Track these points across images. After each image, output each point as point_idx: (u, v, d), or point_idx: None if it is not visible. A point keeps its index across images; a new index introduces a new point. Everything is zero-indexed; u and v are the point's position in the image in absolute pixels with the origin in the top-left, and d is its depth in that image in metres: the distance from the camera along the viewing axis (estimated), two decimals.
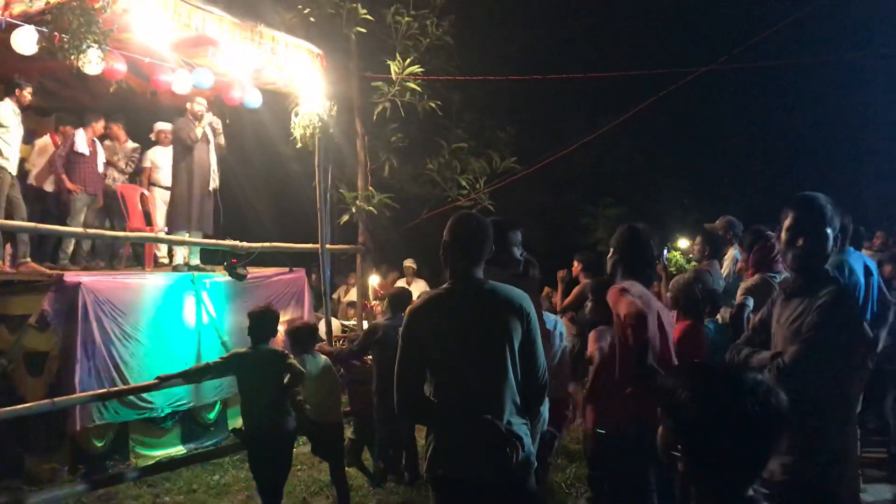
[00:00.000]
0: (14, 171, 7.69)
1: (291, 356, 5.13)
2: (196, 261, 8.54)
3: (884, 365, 5.13)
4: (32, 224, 7.44)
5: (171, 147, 8.99)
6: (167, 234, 8.66)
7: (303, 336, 5.59)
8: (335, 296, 11.50)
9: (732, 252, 6.28)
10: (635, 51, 17.48)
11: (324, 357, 5.65)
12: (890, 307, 5.12)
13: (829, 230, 2.94)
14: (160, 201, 9.27)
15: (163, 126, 9.29)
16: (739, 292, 4.50)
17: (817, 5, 9.78)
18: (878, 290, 5.08)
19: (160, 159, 9.33)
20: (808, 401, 2.70)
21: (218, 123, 8.65)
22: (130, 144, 9.42)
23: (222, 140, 8.70)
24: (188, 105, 8.41)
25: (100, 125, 8.79)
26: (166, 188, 9.10)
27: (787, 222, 3.01)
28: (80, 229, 7.85)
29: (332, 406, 5.58)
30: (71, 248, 8.43)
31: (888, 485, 5.22)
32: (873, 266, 5.07)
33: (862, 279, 4.72)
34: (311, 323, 6.51)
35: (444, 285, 3.10)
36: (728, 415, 1.61)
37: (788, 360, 2.82)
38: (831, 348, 2.79)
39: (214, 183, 8.68)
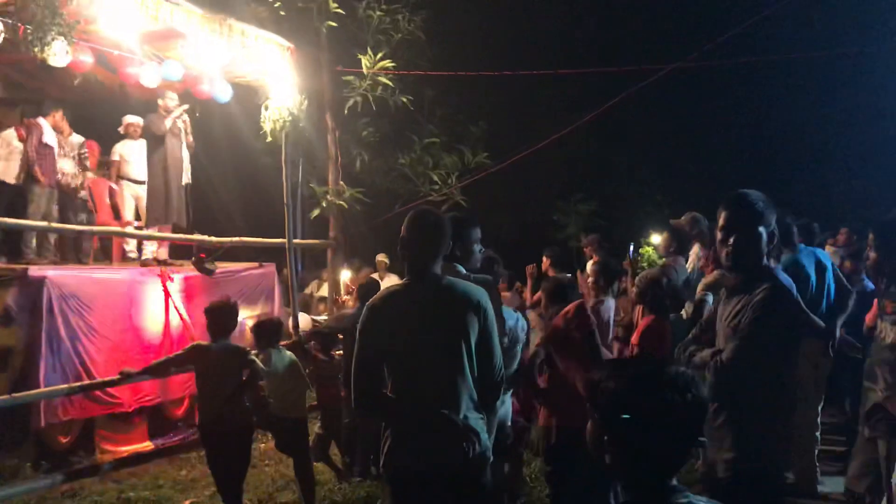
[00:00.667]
0: None
1: (252, 352, 5.13)
2: (164, 255, 8.51)
3: (844, 352, 5.24)
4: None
5: (140, 140, 8.95)
6: (143, 229, 8.62)
7: (268, 331, 5.60)
8: (308, 291, 11.47)
9: (696, 248, 6.36)
10: (608, 47, 17.57)
11: (289, 353, 5.66)
12: (850, 296, 5.21)
13: (761, 228, 2.98)
14: (129, 195, 9.18)
15: (132, 119, 9.19)
16: (699, 288, 4.58)
17: (786, 3, 9.88)
18: (837, 280, 5.18)
19: (129, 153, 9.23)
20: (747, 396, 2.76)
21: (187, 120, 8.63)
22: (76, 138, 9.17)
23: (190, 137, 8.69)
24: (160, 101, 8.39)
25: (58, 115, 8.61)
26: (135, 182, 9.04)
27: (720, 221, 3.06)
28: (44, 223, 7.75)
29: (296, 401, 5.58)
30: (34, 241, 8.31)
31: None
32: (827, 260, 5.17)
33: (813, 275, 4.81)
34: (276, 318, 6.51)
35: (402, 281, 3.12)
36: (648, 404, 1.65)
37: (726, 357, 2.87)
38: (768, 344, 2.84)
39: (187, 178, 8.69)
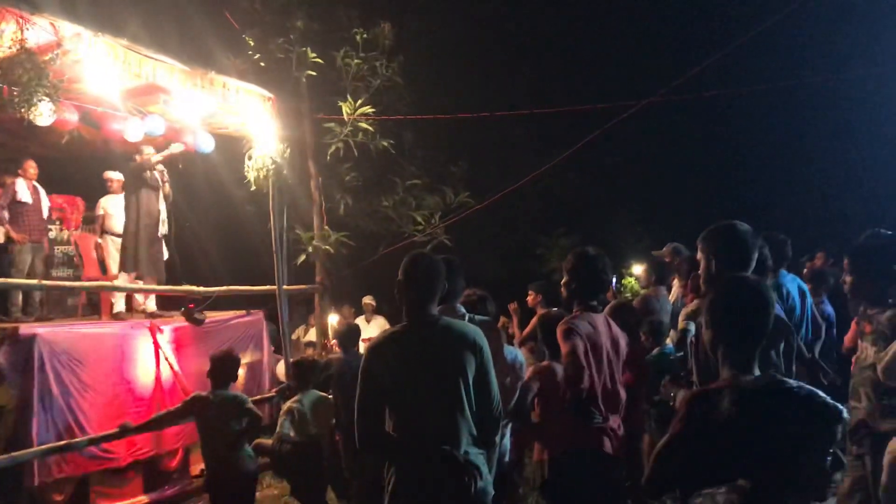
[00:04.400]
0: None
1: (250, 401, 5.20)
2: (153, 307, 8.53)
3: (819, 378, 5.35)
4: None
5: (121, 195, 9.02)
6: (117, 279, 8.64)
7: (305, 370, 5.71)
8: (294, 336, 11.49)
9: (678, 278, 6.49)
10: (583, 83, 17.92)
11: (318, 393, 5.75)
12: (821, 327, 5.35)
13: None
14: (113, 249, 9.23)
15: (112, 174, 9.28)
16: (681, 318, 4.68)
17: (753, 35, 10.13)
18: (811, 311, 5.31)
19: (112, 207, 9.30)
20: None
21: (164, 171, 8.70)
22: None
23: (168, 188, 8.74)
24: (136, 156, 8.49)
25: (31, 169, 8.63)
26: (118, 235, 9.08)
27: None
28: (34, 281, 7.77)
29: (316, 446, 5.65)
30: (20, 299, 8.32)
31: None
32: (806, 288, 5.30)
33: (798, 301, 4.94)
34: (311, 358, 6.61)
35: (401, 323, 3.22)
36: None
37: None
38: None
39: (164, 229, 8.71)
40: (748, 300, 2.62)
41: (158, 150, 8.70)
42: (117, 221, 9.14)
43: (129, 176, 8.55)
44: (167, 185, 8.74)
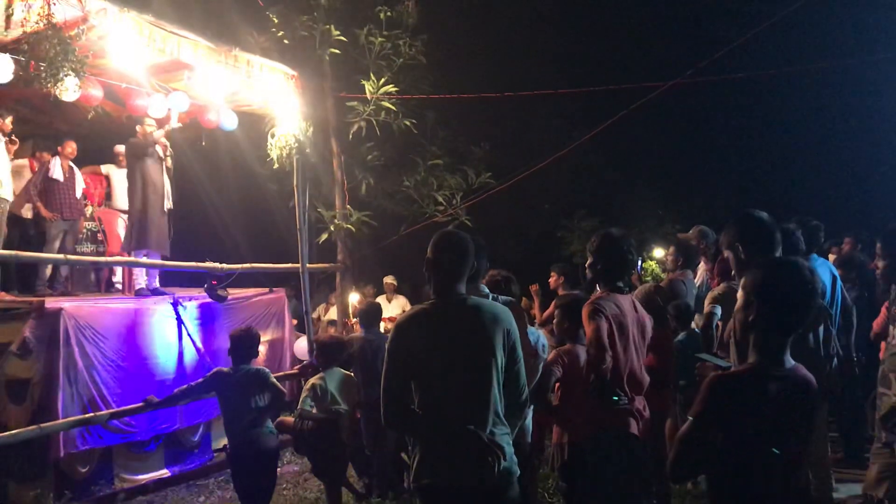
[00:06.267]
0: (10, 198, 7.70)
1: (272, 376, 5.22)
2: (155, 284, 8.51)
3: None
4: (13, 252, 7.41)
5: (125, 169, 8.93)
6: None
7: (330, 350, 5.74)
8: (315, 315, 11.53)
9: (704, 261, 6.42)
10: (607, 64, 17.76)
11: (342, 371, 5.78)
12: (853, 312, 5.26)
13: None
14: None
15: (121, 148, 9.26)
16: (707, 301, 4.61)
17: (782, 16, 9.97)
18: (841, 295, 5.23)
19: (118, 181, 9.36)
20: None
21: (167, 143, 8.59)
22: None
23: (170, 162, 8.68)
24: (138, 126, 8.41)
25: (69, 148, 8.65)
26: (124, 211, 9.04)
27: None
28: (59, 256, 7.80)
29: (336, 426, 5.68)
30: (47, 274, 8.38)
31: (858, 483, 5.35)
32: (837, 274, 5.21)
33: (829, 287, 4.86)
34: (338, 337, 6.64)
35: (429, 301, 3.20)
36: None
37: None
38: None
39: (169, 203, 8.65)
40: (796, 285, 2.49)
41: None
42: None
43: (131, 150, 8.45)
44: (169, 158, 8.66)
